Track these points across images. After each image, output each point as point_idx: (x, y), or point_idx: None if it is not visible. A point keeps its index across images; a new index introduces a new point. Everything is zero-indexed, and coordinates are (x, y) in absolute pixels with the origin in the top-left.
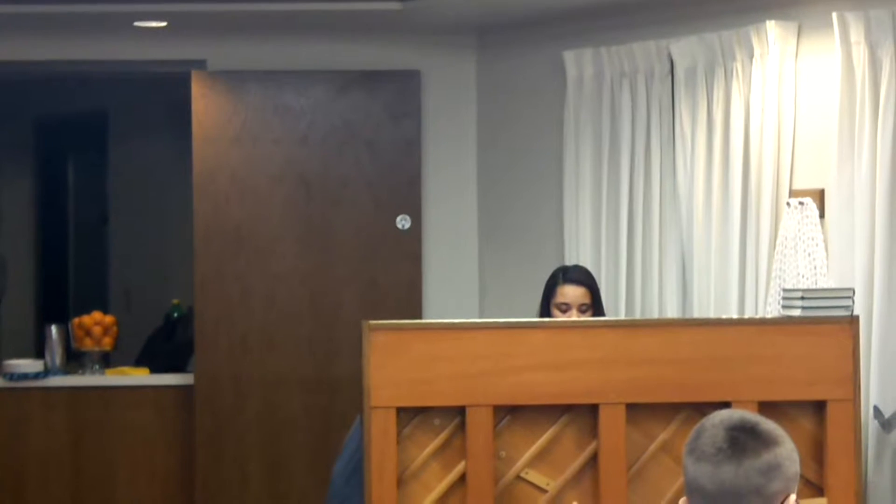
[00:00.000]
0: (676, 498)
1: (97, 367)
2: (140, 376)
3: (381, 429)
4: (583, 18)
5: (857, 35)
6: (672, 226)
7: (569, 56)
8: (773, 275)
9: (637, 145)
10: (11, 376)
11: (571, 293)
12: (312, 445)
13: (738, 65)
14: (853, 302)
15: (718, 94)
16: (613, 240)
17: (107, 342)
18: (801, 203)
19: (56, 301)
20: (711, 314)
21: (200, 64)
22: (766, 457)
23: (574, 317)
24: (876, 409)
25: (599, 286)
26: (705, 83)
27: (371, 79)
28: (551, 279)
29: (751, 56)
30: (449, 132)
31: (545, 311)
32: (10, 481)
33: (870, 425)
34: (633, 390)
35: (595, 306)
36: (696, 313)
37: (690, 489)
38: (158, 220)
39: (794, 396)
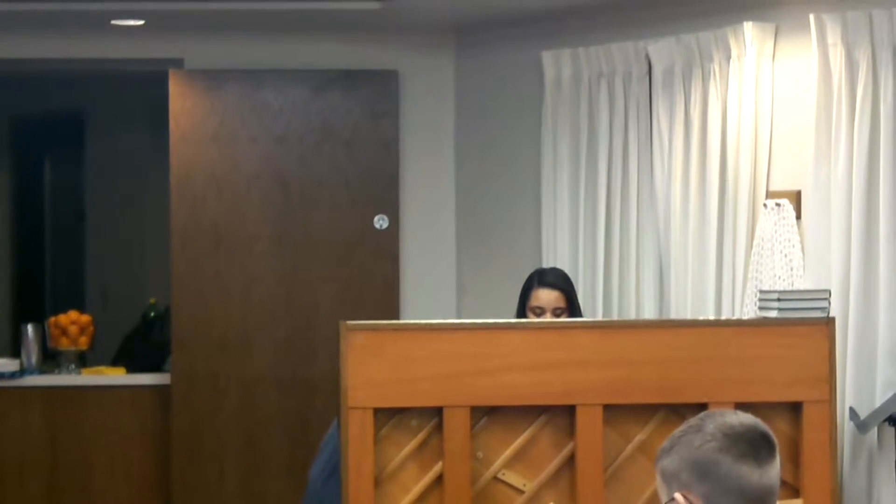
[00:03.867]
0: (653, 498)
1: (73, 366)
2: (116, 376)
3: (358, 429)
4: (561, 19)
5: (833, 36)
6: (649, 226)
7: (547, 56)
8: (750, 276)
9: (615, 146)
10: None
11: (545, 297)
12: (289, 445)
13: (716, 66)
14: (829, 303)
15: (696, 95)
16: (591, 240)
17: (83, 341)
18: (777, 204)
19: (32, 300)
20: (688, 315)
21: (178, 63)
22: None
23: None
24: (851, 410)
25: (577, 286)
26: (683, 84)
27: (349, 78)
28: (527, 282)
29: (728, 57)
30: (427, 132)
31: (521, 314)
32: None
33: (845, 426)
34: (610, 391)
35: (571, 310)
36: (673, 314)
37: (724, 489)
38: (135, 219)
39: (771, 397)
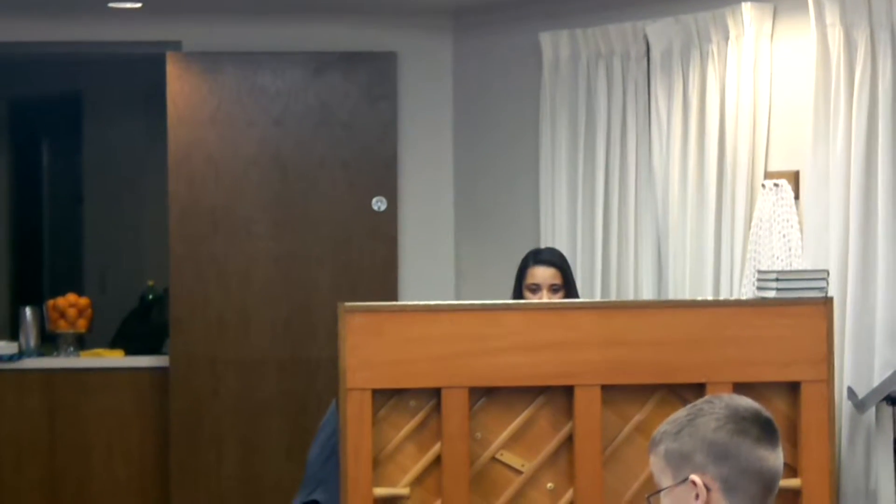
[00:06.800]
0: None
1: (72, 349)
2: (115, 358)
3: (356, 410)
4: (559, 0)
5: (832, 17)
6: (648, 207)
7: (545, 38)
8: (748, 256)
9: (613, 127)
10: None
11: (541, 274)
12: (288, 427)
13: (714, 47)
14: (827, 283)
15: (694, 76)
16: (589, 221)
17: (82, 324)
18: (776, 185)
19: (30, 283)
20: (687, 296)
21: (176, 45)
22: None
23: (544, 298)
24: (850, 389)
25: (575, 268)
26: (681, 65)
27: (347, 60)
28: (523, 261)
29: (726, 38)
30: (425, 114)
31: (518, 293)
32: None
33: (844, 406)
34: (609, 372)
35: (567, 287)
36: (672, 295)
37: (743, 470)
38: (133, 202)
39: (769, 377)
